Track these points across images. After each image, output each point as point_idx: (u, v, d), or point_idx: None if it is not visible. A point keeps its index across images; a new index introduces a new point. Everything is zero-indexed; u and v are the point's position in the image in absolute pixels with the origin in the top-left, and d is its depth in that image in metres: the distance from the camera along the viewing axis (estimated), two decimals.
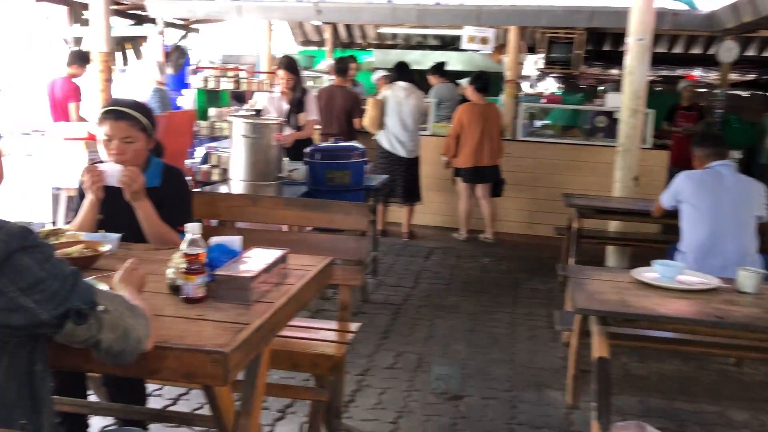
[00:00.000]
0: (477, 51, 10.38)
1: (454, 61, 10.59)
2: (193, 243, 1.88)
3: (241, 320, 1.80)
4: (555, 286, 5.69)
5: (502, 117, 7.26)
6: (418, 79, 11.36)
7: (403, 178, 6.99)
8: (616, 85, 11.12)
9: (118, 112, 2.62)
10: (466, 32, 7.66)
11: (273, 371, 3.27)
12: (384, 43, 11.95)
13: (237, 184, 4.05)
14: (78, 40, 8.54)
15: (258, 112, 4.03)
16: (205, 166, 4.44)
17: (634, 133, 5.61)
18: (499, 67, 9.45)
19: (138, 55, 9.95)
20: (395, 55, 10.83)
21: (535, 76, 11.21)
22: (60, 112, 6.78)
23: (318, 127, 7.46)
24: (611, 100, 7.51)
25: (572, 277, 2.70)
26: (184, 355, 1.63)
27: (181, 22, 11.02)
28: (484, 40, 7.68)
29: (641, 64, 5.53)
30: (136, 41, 9.97)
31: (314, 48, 12.08)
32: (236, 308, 1.88)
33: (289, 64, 5.44)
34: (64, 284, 1.46)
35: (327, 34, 10.97)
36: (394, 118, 6.87)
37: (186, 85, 13.49)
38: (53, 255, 1.48)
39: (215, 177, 4.37)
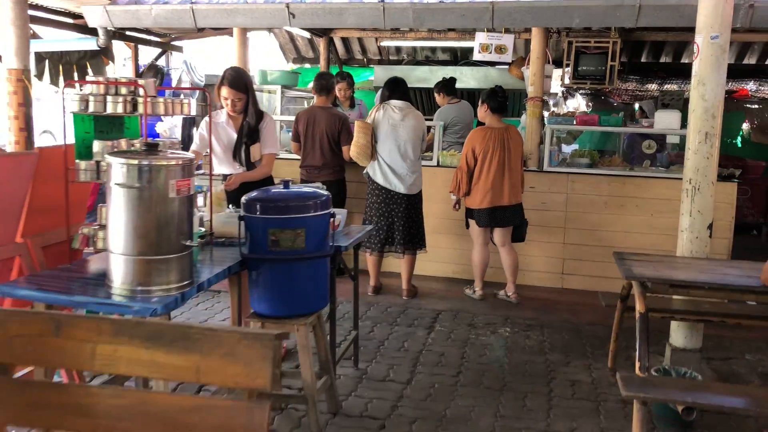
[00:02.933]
0: (493, 64, 8.95)
1: (466, 77, 9.15)
2: None
3: None
4: (603, 375, 4.15)
5: (523, 143, 5.79)
6: (425, 99, 10.01)
7: (402, 220, 5.52)
8: (654, 101, 9.64)
9: None
10: (478, 39, 6.22)
11: None
12: (386, 58, 10.54)
13: (117, 260, 2.62)
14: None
15: (151, 147, 2.60)
16: (87, 229, 2.99)
17: (707, 165, 4.10)
18: (520, 83, 7.98)
19: (100, 76, 8.62)
20: (399, 72, 9.38)
21: (561, 93, 9.73)
22: None
23: (296, 156, 6.06)
24: (662, 120, 6.00)
25: None
26: None
27: (157, 39, 9.73)
28: (500, 49, 6.22)
29: (716, 72, 4.03)
30: (98, 60, 8.64)
31: (308, 66, 10.71)
32: None
33: (234, 79, 4.01)
34: None
35: (321, 49, 9.60)
36: (387, 146, 5.43)
37: None
38: None
39: (101, 244, 2.93)
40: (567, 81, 8.72)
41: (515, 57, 8.01)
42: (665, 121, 5.98)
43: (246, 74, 4.12)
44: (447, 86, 7.02)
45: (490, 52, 6.25)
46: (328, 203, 3.19)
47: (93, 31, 7.96)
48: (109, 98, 2.90)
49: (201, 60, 11.47)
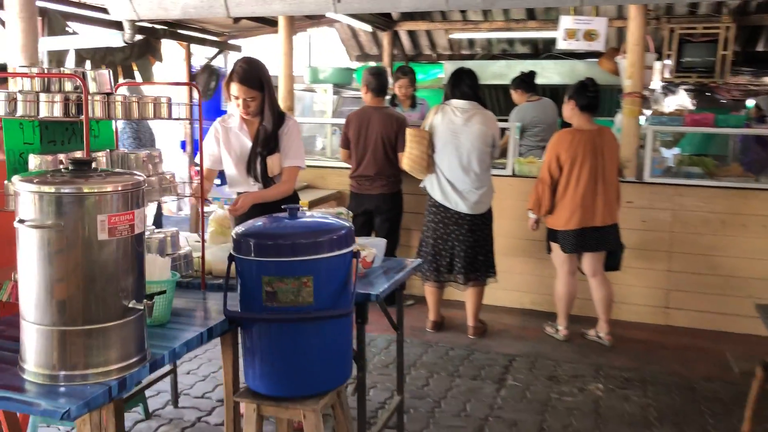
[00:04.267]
0: (580, 57, 7.83)
1: (549, 71, 8.03)
2: None
3: None
4: None
5: (620, 149, 4.71)
6: (501, 98, 8.92)
7: (464, 245, 4.56)
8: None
9: None
10: (562, 24, 5.18)
11: None
12: (458, 53, 9.55)
13: (30, 331, 1.81)
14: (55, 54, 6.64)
15: (80, 165, 1.78)
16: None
17: None
18: (614, 78, 6.84)
19: (147, 77, 8.02)
20: (471, 68, 8.40)
21: (660, 89, 8.48)
22: None
23: (348, 165, 5.20)
24: None
25: None
26: None
27: (213, 38, 9.13)
28: (590, 35, 5.16)
29: None
30: (145, 60, 8.07)
31: (372, 63, 9.86)
32: None
33: (246, 72, 3.17)
34: None
35: (385, 44, 8.74)
36: (447, 157, 4.49)
37: (223, 113, 11.63)
38: None
39: None
40: (667, 75, 7.54)
41: (608, 47, 6.88)
42: None
43: (262, 67, 3.27)
44: (525, 82, 6.01)
45: (578, 40, 5.22)
46: (348, 238, 2.28)
47: (142, 29, 7.39)
48: (43, 97, 2.09)
49: (261, 60, 10.81)
